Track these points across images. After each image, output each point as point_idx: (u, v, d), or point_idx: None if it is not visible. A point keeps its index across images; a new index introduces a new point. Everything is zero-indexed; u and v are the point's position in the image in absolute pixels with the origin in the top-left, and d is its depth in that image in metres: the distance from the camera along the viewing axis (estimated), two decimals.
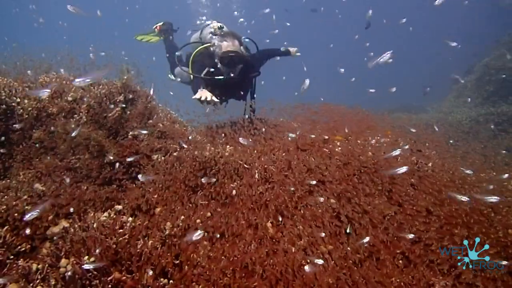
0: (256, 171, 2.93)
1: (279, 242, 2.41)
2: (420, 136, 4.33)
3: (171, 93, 4.74)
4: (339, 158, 3.05)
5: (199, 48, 4.78)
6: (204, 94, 4.00)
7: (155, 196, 2.82)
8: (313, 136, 3.39)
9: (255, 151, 3.29)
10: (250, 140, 3.31)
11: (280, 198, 2.69)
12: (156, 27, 6.80)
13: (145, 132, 3.47)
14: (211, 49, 4.56)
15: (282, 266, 2.23)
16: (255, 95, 4.97)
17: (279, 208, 2.66)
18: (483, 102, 12.05)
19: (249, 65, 4.64)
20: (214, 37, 4.60)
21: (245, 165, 3.07)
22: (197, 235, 2.44)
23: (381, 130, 3.85)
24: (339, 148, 3.22)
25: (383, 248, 2.39)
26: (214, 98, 3.98)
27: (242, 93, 4.88)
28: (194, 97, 4.03)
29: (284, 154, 3.19)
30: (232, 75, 4.43)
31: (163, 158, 3.25)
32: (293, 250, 2.32)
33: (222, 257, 2.31)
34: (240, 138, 3.35)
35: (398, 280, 2.18)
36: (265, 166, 2.99)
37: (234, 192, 2.84)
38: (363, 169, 2.93)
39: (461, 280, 2.23)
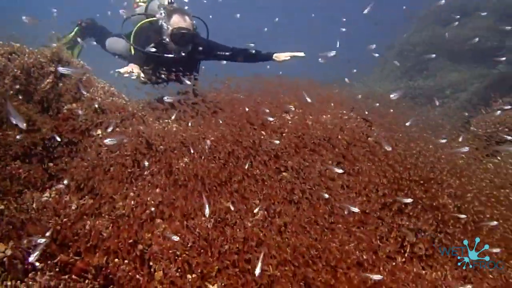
0: (206, 146, 2.91)
1: (236, 217, 2.45)
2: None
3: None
4: (291, 131, 3.11)
5: (144, 21, 4.47)
6: (131, 68, 3.80)
7: (101, 174, 2.70)
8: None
9: (201, 126, 3.25)
10: (196, 115, 3.25)
11: (231, 172, 2.72)
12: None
13: (80, 107, 3.26)
14: (159, 22, 4.27)
15: (240, 242, 2.29)
16: (197, 78, 4.78)
17: (230, 184, 2.68)
18: (401, 76, 12.99)
19: (199, 45, 4.42)
20: (163, 11, 4.30)
21: (192, 141, 3.04)
22: (149, 213, 2.41)
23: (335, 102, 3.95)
24: (291, 119, 3.30)
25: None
26: (141, 75, 3.82)
27: (187, 74, 4.62)
28: (117, 70, 3.76)
29: (233, 128, 3.19)
30: (183, 54, 4.19)
31: (104, 133, 3.09)
32: (249, 225, 2.39)
33: (178, 235, 2.30)
34: (185, 113, 3.29)
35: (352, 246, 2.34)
36: (215, 141, 2.98)
37: (183, 167, 2.80)
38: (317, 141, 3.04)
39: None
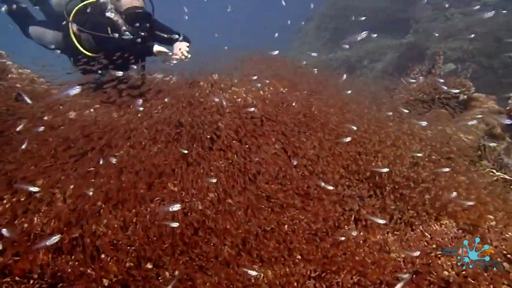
0: (146, 130, 2.74)
1: (186, 202, 2.35)
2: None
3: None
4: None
5: (79, 5, 3.93)
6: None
7: (32, 168, 2.41)
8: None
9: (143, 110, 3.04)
10: (141, 101, 3.02)
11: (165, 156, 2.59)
12: None
13: None
14: (105, 4, 3.83)
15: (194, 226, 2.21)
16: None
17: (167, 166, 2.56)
18: (321, 48, 13.41)
19: (152, 24, 4.01)
20: None
21: (131, 125, 2.84)
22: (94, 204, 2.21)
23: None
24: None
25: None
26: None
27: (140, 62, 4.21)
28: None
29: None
30: (142, 34, 3.79)
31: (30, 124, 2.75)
32: (201, 207, 2.31)
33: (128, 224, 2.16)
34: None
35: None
36: (156, 126, 2.81)
37: (121, 154, 2.62)
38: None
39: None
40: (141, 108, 2.81)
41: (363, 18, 9.53)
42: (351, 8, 14.17)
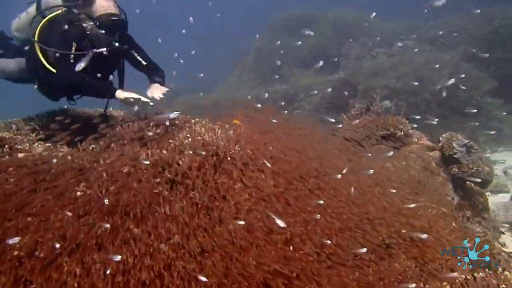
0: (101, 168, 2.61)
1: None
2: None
3: None
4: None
5: (43, 21, 3.53)
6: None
7: None
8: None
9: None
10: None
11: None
12: None
13: None
14: (73, 13, 3.48)
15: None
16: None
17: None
18: (260, 82, 13.85)
19: (125, 34, 3.75)
20: None
21: (87, 164, 2.70)
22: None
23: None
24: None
25: None
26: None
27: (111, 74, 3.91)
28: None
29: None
30: (116, 44, 3.50)
31: None
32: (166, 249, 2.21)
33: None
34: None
35: None
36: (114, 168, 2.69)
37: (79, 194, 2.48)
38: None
39: None
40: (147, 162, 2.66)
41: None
42: (287, 44, 14.90)
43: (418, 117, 5.34)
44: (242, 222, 2.36)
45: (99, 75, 3.62)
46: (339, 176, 2.77)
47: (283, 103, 11.04)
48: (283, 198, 2.67)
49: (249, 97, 12.66)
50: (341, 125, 4.97)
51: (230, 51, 17.10)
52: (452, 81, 6.63)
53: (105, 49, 3.47)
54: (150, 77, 3.96)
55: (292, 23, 15.94)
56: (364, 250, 2.30)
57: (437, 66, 10.00)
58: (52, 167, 2.74)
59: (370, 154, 3.49)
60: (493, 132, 8.48)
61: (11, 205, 2.31)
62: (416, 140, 4.76)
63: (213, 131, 3.27)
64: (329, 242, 2.33)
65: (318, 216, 2.48)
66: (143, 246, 2.19)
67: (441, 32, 12.39)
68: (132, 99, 3.32)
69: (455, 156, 4.52)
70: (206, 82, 16.70)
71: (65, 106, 4.12)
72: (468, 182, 4.44)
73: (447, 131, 5.14)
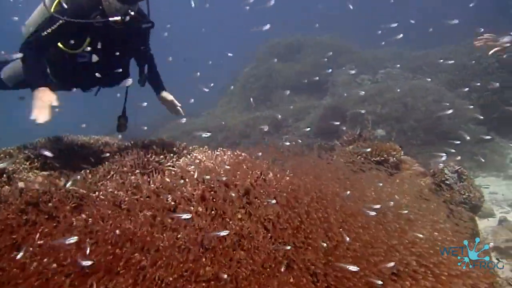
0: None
1: None
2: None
3: None
4: None
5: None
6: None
7: None
8: None
9: None
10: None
11: None
12: None
13: None
14: None
15: None
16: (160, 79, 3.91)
17: None
18: (248, 107, 13.99)
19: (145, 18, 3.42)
20: None
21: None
22: None
23: None
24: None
25: None
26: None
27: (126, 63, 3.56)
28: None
29: None
30: (132, 13, 3.13)
31: None
32: None
33: None
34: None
35: None
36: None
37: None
38: None
39: None
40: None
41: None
42: (275, 70, 15.17)
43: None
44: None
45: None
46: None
47: (266, 129, 11.21)
48: (287, 225, 2.69)
49: (233, 122, 12.78)
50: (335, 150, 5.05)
51: (220, 76, 17.29)
52: (450, 111, 6.86)
53: (119, 18, 3.11)
54: (158, 88, 3.96)
55: (279, 50, 16.31)
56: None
57: (421, 93, 10.33)
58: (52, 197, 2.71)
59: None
60: (481, 159, 8.72)
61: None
62: (408, 166, 4.86)
63: (213, 158, 3.30)
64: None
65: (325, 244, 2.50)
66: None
67: (424, 61, 12.83)
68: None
69: (447, 182, 4.63)
70: (194, 106, 16.79)
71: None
72: (459, 208, 4.53)
73: (434, 158, 5.28)
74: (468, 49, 12.11)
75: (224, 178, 2.87)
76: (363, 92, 9.67)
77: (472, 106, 9.78)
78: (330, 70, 14.26)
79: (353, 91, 12.40)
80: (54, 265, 2.11)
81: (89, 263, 2.01)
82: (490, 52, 3.93)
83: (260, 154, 3.43)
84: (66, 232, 2.39)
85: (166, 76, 3.99)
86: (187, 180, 2.87)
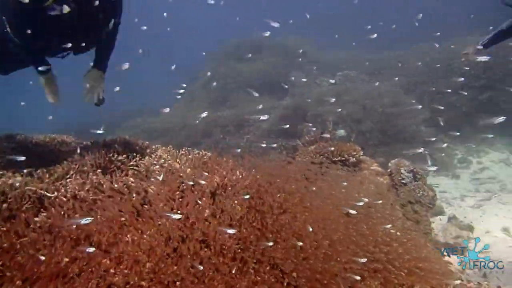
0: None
1: None
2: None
3: None
4: None
5: None
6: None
7: None
8: None
9: None
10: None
11: None
12: None
13: None
14: None
15: None
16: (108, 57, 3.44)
17: None
18: (209, 106, 13.88)
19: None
20: None
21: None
22: None
23: None
24: None
25: None
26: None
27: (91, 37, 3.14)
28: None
29: None
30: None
31: None
32: None
33: None
34: None
35: None
36: None
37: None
38: None
39: None
40: None
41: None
42: (235, 70, 15.16)
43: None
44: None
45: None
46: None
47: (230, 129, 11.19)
48: (254, 225, 2.70)
49: (197, 121, 12.63)
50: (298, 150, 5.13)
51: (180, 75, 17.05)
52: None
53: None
54: (96, 62, 3.48)
55: (241, 50, 16.32)
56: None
57: (378, 95, 10.71)
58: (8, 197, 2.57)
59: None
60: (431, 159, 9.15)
61: None
62: (367, 165, 5.03)
63: (178, 157, 3.26)
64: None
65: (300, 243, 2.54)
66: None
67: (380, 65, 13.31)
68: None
69: (403, 181, 4.84)
70: (153, 104, 16.49)
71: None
72: (415, 206, 4.75)
73: (388, 158, 5.51)
74: (424, 51, 12.69)
75: (191, 178, 2.85)
76: (324, 93, 9.86)
77: (423, 109, 10.25)
78: (290, 71, 14.48)
79: (313, 91, 12.65)
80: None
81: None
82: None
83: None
84: (23, 234, 2.28)
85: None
86: (152, 180, 2.81)
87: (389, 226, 3.09)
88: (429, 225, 4.87)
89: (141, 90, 18.59)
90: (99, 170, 2.88)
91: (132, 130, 12.07)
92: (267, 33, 4.81)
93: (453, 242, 5.66)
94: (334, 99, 10.66)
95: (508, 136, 10.43)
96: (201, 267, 2.23)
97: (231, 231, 2.43)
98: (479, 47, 4.28)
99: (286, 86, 13.98)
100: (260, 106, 10.38)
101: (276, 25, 4.50)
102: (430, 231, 4.85)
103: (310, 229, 2.69)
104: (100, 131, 3.14)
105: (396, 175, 4.91)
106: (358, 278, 2.31)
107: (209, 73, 15.14)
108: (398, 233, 3.11)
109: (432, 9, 20.08)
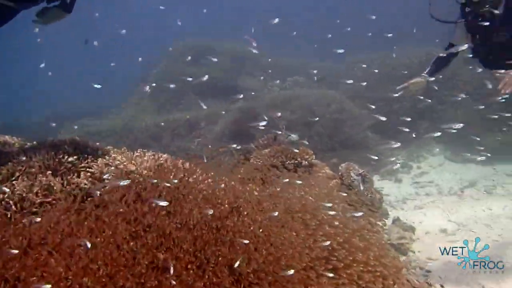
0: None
1: None
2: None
3: None
4: None
5: None
6: None
7: None
8: None
9: None
10: None
11: None
12: None
13: None
14: None
15: None
16: None
17: None
18: (159, 109, 13.58)
19: None
20: None
21: None
22: None
23: None
24: None
25: None
26: None
27: None
28: None
29: None
30: None
31: None
32: None
33: None
34: None
35: None
36: None
37: None
38: None
39: None
40: None
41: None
42: (185, 72, 14.96)
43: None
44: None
45: None
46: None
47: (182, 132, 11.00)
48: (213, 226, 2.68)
49: (143, 124, 12.33)
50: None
51: (127, 77, 16.56)
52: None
53: None
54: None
55: (191, 53, 16.13)
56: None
57: (326, 101, 11.07)
58: None
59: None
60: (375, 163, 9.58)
61: None
62: (319, 169, 5.17)
63: (134, 159, 3.16)
64: None
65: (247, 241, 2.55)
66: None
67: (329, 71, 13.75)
68: None
69: (352, 184, 5.02)
70: (99, 105, 15.90)
71: None
72: (363, 208, 4.94)
73: (340, 162, 5.71)
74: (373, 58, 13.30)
75: (147, 180, 2.78)
76: (275, 98, 10.02)
77: (368, 115, 10.72)
78: (242, 75, 14.58)
79: (264, 96, 12.80)
80: None
81: None
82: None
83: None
84: None
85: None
86: (106, 181, 2.70)
87: (341, 225, 3.20)
88: (377, 226, 5.07)
89: (85, 91, 17.84)
90: (48, 172, 2.71)
91: (76, 132, 11.51)
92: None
93: (396, 242, 5.94)
94: (285, 104, 10.90)
95: (443, 143, 11.18)
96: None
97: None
98: (424, 74, 4.42)
99: (237, 90, 14.06)
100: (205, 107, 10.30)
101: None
102: (379, 232, 5.06)
103: (260, 231, 2.72)
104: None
105: (346, 178, 5.08)
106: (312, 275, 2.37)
107: (157, 75, 14.81)
108: (350, 234, 3.22)
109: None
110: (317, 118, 10.27)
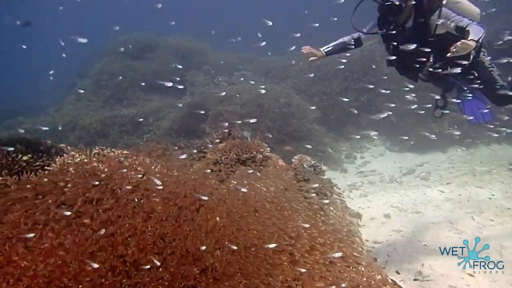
0: None
1: None
2: None
3: None
4: None
5: None
6: None
7: None
8: None
9: None
10: None
11: None
12: None
13: None
14: None
15: None
16: None
17: None
18: (103, 105, 13.06)
19: None
20: None
21: None
22: None
23: None
24: None
25: None
26: None
27: None
28: None
29: None
30: None
31: None
32: None
33: None
34: None
35: None
36: None
37: None
38: None
39: None
40: None
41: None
42: (129, 67, 14.55)
43: None
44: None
45: None
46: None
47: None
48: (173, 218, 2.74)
49: (88, 121, 11.81)
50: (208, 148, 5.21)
51: (64, 71, 15.73)
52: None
53: None
54: None
55: (132, 47, 15.68)
56: None
57: (274, 96, 11.30)
58: None
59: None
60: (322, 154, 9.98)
61: None
62: (273, 161, 5.33)
63: (94, 156, 3.11)
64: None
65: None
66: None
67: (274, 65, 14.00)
68: None
69: (305, 175, 5.23)
70: (36, 102, 15.00)
71: None
72: (316, 197, 5.18)
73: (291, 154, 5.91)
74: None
75: (110, 176, 2.76)
76: (224, 93, 10.05)
77: (314, 108, 11.10)
78: (188, 70, 14.43)
79: (212, 91, 12.78)
80: None
81: None
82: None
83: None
84: None
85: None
86: (67, 179, 2.65)
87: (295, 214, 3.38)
88: (329, 213, 5.34)
89: (20, 88, 16.78)
90: (5, 171, 2.60)
91: (13, 130, 10.81)
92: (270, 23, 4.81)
93: (345, 229, 6.28)
94: (233, 98, 10.98)
95: (384, 134, 11.86)
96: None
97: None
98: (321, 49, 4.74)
99: (182, 86, 13.91)
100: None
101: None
102: (331, 219, 5.33)
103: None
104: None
105: (299, 169, 5.28)
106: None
107: (99, 70, 14.24)
108: (305, 222, 3.41)
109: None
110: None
